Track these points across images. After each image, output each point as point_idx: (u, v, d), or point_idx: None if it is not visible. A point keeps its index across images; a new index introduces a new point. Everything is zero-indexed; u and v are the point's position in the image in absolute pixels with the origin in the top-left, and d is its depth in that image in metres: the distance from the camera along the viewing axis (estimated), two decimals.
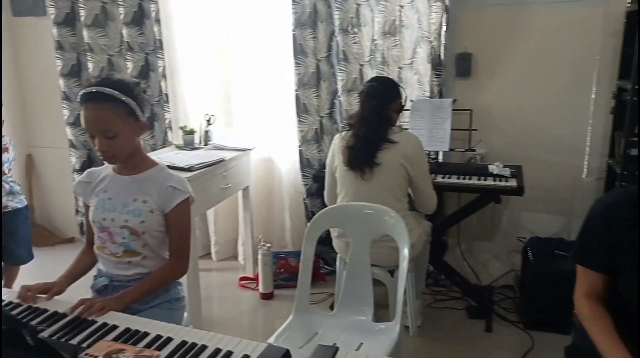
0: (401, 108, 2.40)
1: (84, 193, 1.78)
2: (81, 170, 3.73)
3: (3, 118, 2.66)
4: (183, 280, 1.82)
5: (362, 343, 1.78)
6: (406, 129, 2.33)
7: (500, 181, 2.62)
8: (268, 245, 3.08)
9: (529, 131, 2.94)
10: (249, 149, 3.22)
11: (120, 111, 1.60)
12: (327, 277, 3.30)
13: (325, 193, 2.52)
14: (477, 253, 3.20)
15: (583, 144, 2.87)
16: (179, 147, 3.24)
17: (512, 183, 2.59)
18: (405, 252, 1.81)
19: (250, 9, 3.25)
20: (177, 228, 1.72)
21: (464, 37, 2.94)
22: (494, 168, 2.71)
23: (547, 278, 2.64)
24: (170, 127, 3.55)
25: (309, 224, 2.01)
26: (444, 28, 2.84)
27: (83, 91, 1.61)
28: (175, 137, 3.50)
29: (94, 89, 1.59)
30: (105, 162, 1.73)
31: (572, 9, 2.74)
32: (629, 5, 2.58)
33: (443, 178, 2.67)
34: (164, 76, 3.46)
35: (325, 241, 3.33)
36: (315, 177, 2.99)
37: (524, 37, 2.84)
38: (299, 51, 3.10)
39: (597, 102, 2.80)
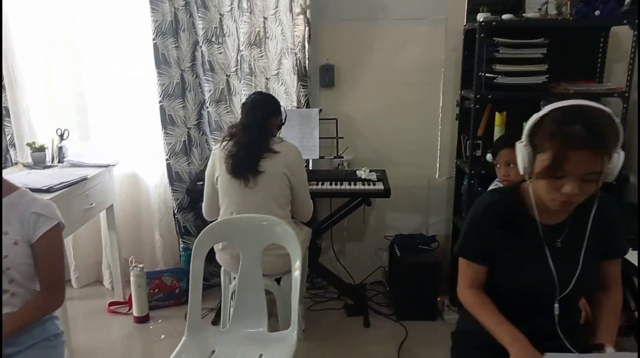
0: (281, 125, 2.45)
1: None
2: None
3: None
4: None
5: (261, 354, 1.78)
6: (286, 140, 2.39)
7: (369, 185, 2.81)
8: (141, 265, 2.90)
9: (388, 137, 3.19)
10: (112, 165, 3.00)
11: None
12: (205, 292, 3.19)
13: (205, 205, 2.46)
14: (349, 253, 3.38)
15: (435, 147, 3.21)
16: (27, 166, 2.89)
17: (380, 186, 2.79)
18: (298, 261, 1.85)
19: (105, 17, 3.03)
20: (47, 259, 1.54)
21: (326, 49, 3.09)
22: (362, 173, 2.90)
23: (413, 271, 2.89)
24: (14, 145, 3.14)
25: (196, 240, 1.94)
26: (307, 40, 2.95)
27: None
28: (21, 155, 3.11)
29: None
30: None
31: (417, 26, 3.04)
32: (466, 24, 2.96)
33: (317, 184, 2.78)
34: (2, 87, 3.06)
35: None
36: (188, 191, 2.89)
37: (378, 50, 3.08)
38: (162, 61, 2.97)
39: (444, 110, 3.15)
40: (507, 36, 2.71)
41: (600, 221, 1.39)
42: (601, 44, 2.95)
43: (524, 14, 2.74)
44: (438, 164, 3.24)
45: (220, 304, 2.54)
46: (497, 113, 2.90)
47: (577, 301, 1.47)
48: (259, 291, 1.96)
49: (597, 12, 2.67)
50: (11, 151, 3.17)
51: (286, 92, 3.05)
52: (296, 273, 1.85)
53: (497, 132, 2.91)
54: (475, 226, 1.44)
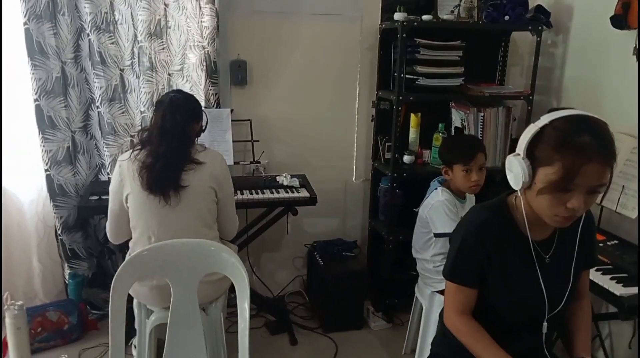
0: (201, 131, 2.11)
1: None
2: None
3: None
4: None
5: None
6: (208, 147, 2.05)
7: (293, 192, 2.60)
8: (19, 302, 2.34)
9: (305, 140, 3.00)
10: None
11: None
12: (100, 323, 2.74)
13: (110, 227, 2.04)
14: (264, 265, 3.13)
15: (352, 149, 3.09)
16: None
17: (304, 193, 2.60)
18: (246, 290, 1.58)
19: None
20: None
21: (237, 43, 2.80)
22: (283, 180, 2.68)
23: (337, 279, 2.75)
24: None
25: (115, 277, 1.56)
26: (216, 33, 2.64)
27: None
28: None
29: None
30: None
31: (332, 23, 2.89)
32: (381, 24, 2.87)
33: (236, 195, 2.50)
34: None
35: (92, 282, 2.80)
36: (80, 208, 2.42)
37: (292, 47, 2.87)
38: (37, 50, 2.45)
39: (360, 111, 3.04)
40: (424, 37, 2.68)
41: (584, 234, 1.36)
42: (502, 49, 3.07)
43: (439, 16, 2.73)
44: (355, 167, 3.14)
45: (133, 342, 2.15)
46: (412, 114, 2.87)
47: (564, 317, 1.43)
48: (196, 327, 1.66)
49: (506, 17, 2.75)
50: None
51: (192, 90, 2.70)
52: (245, 304, 1.59)
53: (413, 134, 2.89)
54: (467, 248, 1.32)
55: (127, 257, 2.01)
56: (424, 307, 2.34)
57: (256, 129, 2.79)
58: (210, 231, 1.99)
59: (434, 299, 2.28)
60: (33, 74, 2.46)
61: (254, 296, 2.87)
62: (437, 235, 2.23)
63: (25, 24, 2.39)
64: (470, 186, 2.16)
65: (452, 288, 1.36)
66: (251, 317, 2.86)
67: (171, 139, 1.92)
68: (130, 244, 1.99)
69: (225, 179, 2.03)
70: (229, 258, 1.61)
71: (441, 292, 2.22)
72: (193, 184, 1.92)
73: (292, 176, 2.71)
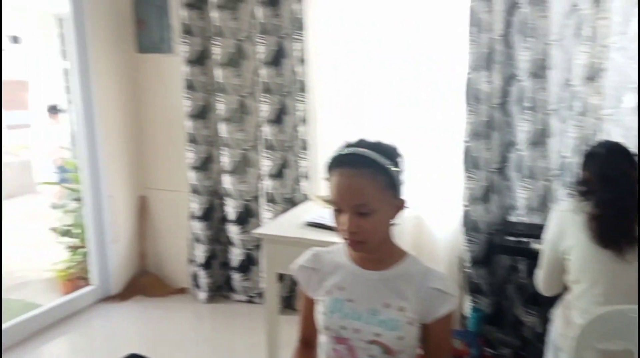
0: None
1: (308, 283, 1.39)
2: (204, 218, 3.42)
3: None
4: None
5: None
6: None
7: None
8: None
9: None
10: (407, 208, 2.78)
11: (380, 182, 1.22)
12: None
13: (543, 276, 2.02)
14: None
15: None
16: (326, 201, 2.85)
17: None
18: None
19: (412, 46, 2.86)
20: (439, 343, 1.29)
21: None
22: None
23: None
24: (307, 177, 3.18)
25: (579, 334, 1.51)
26: None
27: (339, 153, 1.25)
28: (313, 189, 3.13)
29: (353, 150, 1.23)
30: (340, 247, 1.35)
31: None
32: None
33: None
34: (304, 121, 3.12)
35: (493, 319, 2.84)
36: (491, 246, 2.52)
37: None
38: (472, 97, 2.68)
39: None
40: None
41: None
42: None
43: None
44: None
45: None
46: None
47: None
48: None
49: None
50: (303, 183, 3.21)
51: (625, 136, 2.47)
52: None
53: None
54: None
55: (559, 310, 1.95)
56: None
57: None
58: None
59: None
60: (467, 118, 2.70)
61: None
62: None
63: (468, 73, 2.65)
64: None
65: None
66: None
67: (618, 185, 1.78)
68: (570, 297, 1.91)
69: None
70: None
71: None
72: None
73: None
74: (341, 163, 1.24)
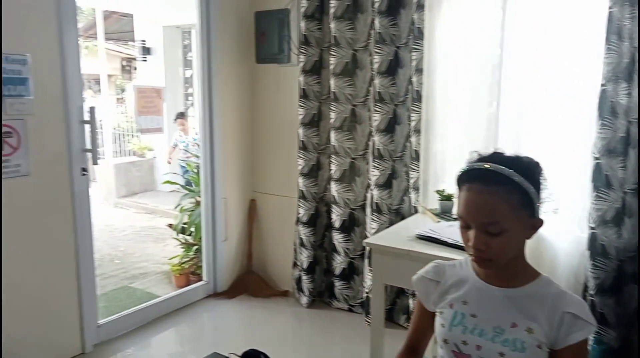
0: None
1: (427, 294, 1.34)
2: (309, 223, 3.48)
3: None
4: None
5: None
6: None
7: None
8: None
9: None
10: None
11: (514, 201, 1.14)
12: None
13: None
14: None
15: None
16: (436, 214, 2.76)
17: None
18: None
19: (536, 54, 2.70)
20: None
21: None
22: None
23: None
24: (417, 189, 3.11)
25: None
26: None
27: (469, 167, 1.19)
28: (422, 201, 3.05)
29: (486, 166, 1.16)
30: (465, 260, 1.29)
31: None
32: None
33: None
34: (417, 131, 3.05)
35: (619, 355, 2.58)
36: (623, 273, 2.28)
37: None
38: (608, 111, 2.46)
39: None
40: None
41: None
42: None
43: None
44: None
45: None
46: None
47: None
48: None
49: None
50: (412, 195, 3.14)
51: None
52: None
53: None
54: None
55: None
56: None
57: None
58: None
59: None
60: (600, 133, 2.48)
61: None
62: None
63: (602, 84, 2.45)
64: None
65: None
66: None
67: None
68: None
69: None
70: None
71: None
72: None
73: None
74: (472, 177, 1.17)
